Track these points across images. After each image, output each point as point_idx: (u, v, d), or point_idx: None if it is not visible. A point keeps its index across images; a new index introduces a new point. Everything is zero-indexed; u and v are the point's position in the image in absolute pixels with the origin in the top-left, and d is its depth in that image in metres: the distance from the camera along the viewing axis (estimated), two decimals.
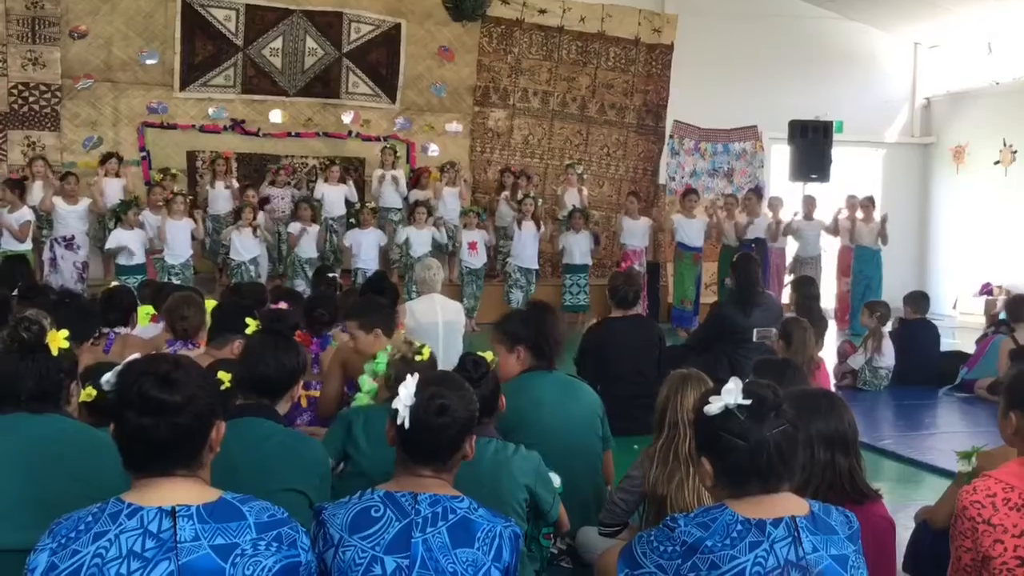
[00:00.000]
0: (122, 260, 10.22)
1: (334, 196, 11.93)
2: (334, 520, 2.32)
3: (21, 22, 11.37)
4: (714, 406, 2.17)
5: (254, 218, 10.80)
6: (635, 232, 11.96)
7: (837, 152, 12.85)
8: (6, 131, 11.42)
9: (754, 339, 6.44)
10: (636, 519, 3.73)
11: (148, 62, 11.87)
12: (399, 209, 12.08)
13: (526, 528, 3.23)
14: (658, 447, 3.45)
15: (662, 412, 3.48)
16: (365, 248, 11.28)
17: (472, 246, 11.47)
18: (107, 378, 2.10)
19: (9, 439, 2.57)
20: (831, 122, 12.85)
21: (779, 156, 13.83)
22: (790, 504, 2.18)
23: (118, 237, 10.23)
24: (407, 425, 2.34)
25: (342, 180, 12.13)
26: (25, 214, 9.94)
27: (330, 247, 11.74)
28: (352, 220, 11.63)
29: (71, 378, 2.75)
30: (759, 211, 12.06)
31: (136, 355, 2.13)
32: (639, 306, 6.67)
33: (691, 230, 11.80)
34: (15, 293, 5.42)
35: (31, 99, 11.48)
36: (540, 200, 12.19)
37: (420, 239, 11.32)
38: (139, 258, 10.31)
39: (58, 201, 10.26)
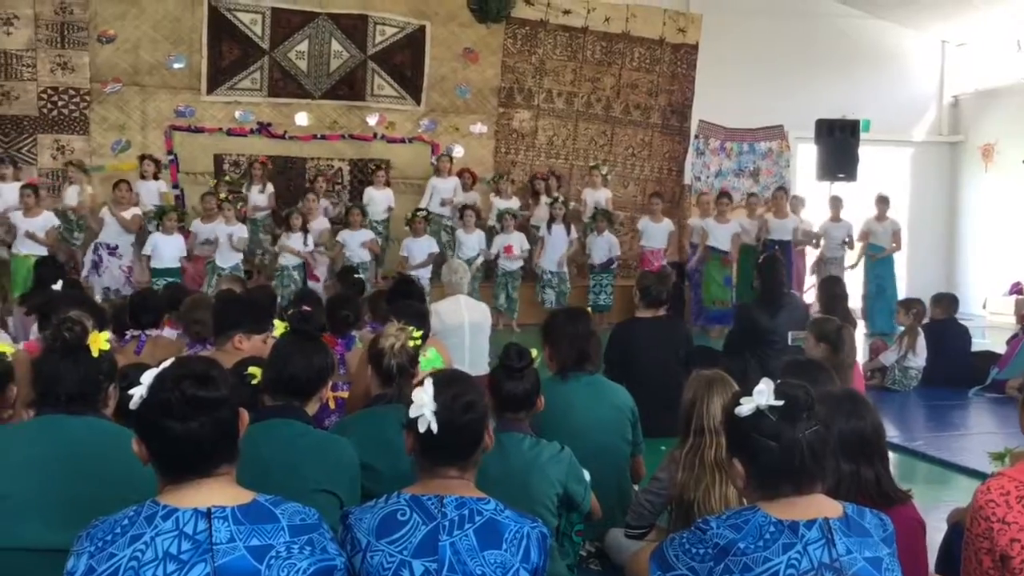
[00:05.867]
0: (155, 263, 10.31)
1: (380, 199, 11.99)
2: (360, 524, 2.32)
3: (50, 27, 11.49)
4: (745, 407, 2.16)
5: (303, 224, 10.88)
6: (656, 234, 11.93)
7: (864, 151, 12.77)
8: (35, 135, 11.55)
9: (789, 342, 6.38)
10: (664, 520, 3.72)
11: (175, 66, 11.95)
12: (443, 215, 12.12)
13: (557, 523, 3.23)
14: (684, 452, 3.44)
15: (687, 417, 3.47)
16: (418, 255, 11.27)
17: (508, 249, 11.48)
18: (138, 394, 2.07)
19: (48, 442, 2.61)
20: (858, 121, 12.77)
21: (806, 155, 13.75)
22: (823, 506, 2.17)
23: (154, 242, 10.32)
24: (435, 429, 2.33)
25: (387, 184, 12.19)
26: (50, 219, 10.01)
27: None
28: (406, 227, 11.60)
29: (110, 380, 2.77)
30: (787, 211, 12.00)
31: (166, 362, 2.13)
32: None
33: (721, 234, 11.74)
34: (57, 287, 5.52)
35: (60, 103, 11.59)
36: (571, 203, 12.19)
37: (469, 242, 11.40)
38: (175, 262, 10.38)
39: (106, 213, 10.34)
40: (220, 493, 2.03)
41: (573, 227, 11.95)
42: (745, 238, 11.90)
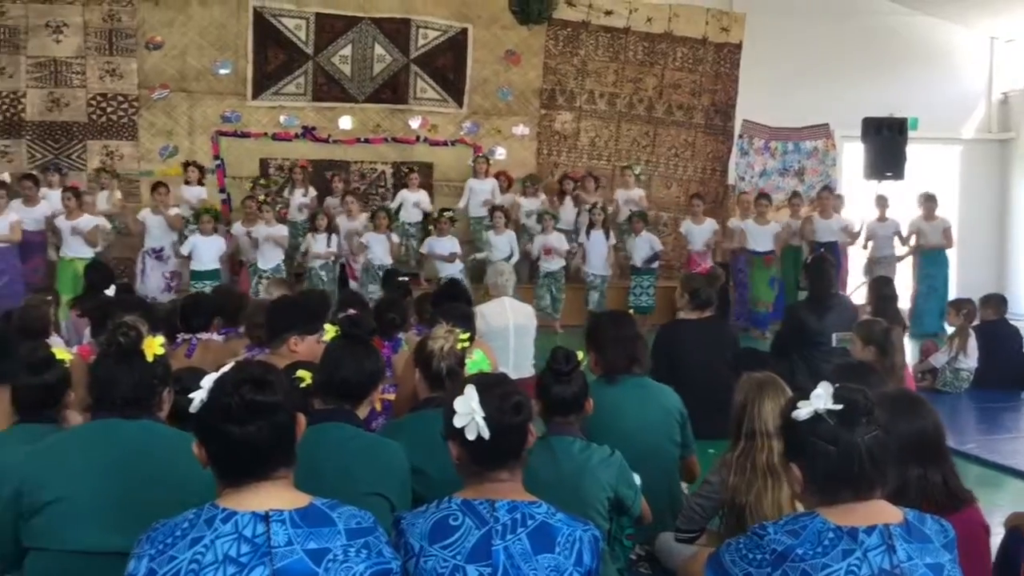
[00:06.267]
0: (195, 266, 10.43)
1: (414, 202, 12.06)
2: (413, 529, 2.32)
3: (99, 34, 11.70)
4: (803, 411, 2.15)
5: (328, 226, 10.98)
6: (699, 235, 11.83)
7: (912, 149, 12.58)
8: (85, 141, 11.76)
9: (833, 343, 6.29)
10: (715, 524, 3.69)
11: (221, 72, 12.12)
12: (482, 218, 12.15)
13: (608, 527, 3.22)
14: (735, 456, 3.40)
15: (738, 420, 3.43)
16: (440, 254, 11.34)
17: (547, 250, 11.46)
18: (198, 397, 2.11)
19: (104, 445, 2.64)
20: (906, 119, 12.58)
21: (852, 154, 13.59)
22: (883, 512, 2.14)
23: (193, 243, 10.45)
24: (486, 435, 2.32)
25: (421, 187, 12.24)
26: (91, 220, 10.08)
27: (409, 252, 11.84)
28: (430, 228, 11.66)
29: (164, 384, 2.81)
30: (832, 212, 11.86)
31: (225, 366, 2.15)
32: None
33: (760, 235, 11.61)
34: (111, 292, 5.62)
35: (109, 109, 11.80)
36: (609, 208, 12.12)
37: (500, 243, 11.42)
38: (214, 264, 10.50)
39: (147, 214, 10.50)
40: (278, 496, 2.05)
41: (612, 231, 11.91)
42: (790, 240, 11.77)
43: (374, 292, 10.35)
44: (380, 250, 11.18)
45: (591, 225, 11.71)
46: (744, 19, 13.45)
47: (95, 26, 11.67)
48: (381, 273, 11.00)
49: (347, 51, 12.51)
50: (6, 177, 10.55)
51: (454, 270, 11.11)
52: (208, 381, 2.10)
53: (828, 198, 12.01)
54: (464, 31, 12.84)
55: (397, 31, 12.64)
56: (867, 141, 12.44)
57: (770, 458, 3.27)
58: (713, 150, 13.77)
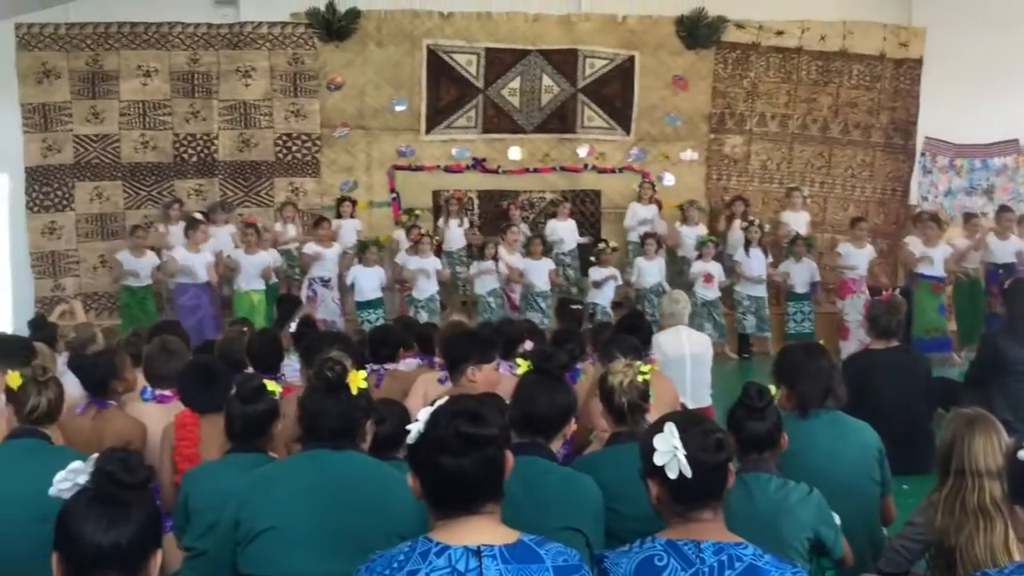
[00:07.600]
0: (358, 296, 10.80)
1: (565, 231, 12.15)
2: (617, 569, 2.31)
3: (284, 77, 12.31)
4: None
5: (495, 255, 11.21)
6: (856, 260, 11.23)
7: None
8: (272, 178, 12.37)
9: None
10: (920, 567, 3.52)
11: (397, 108, 12.52)
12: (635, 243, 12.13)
13: (810, 568, 3.12)
14: (943, 495, 3.24)
15: (946, 458, 3.26)
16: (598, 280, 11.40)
17: (707, 278, 11.28)
18: (415, 429, 2.18)
19: (313, 474, 2.77)
20: None
21: None
22: None
23: (355, 275, 10.81)
24: (688, 473, 2.28)
25: (571, 215, 12.34)
26: (266, 258, 10.53)
27: (566, 280, 11.93)
28: (592, 259, 11.70)
29: (367, 416, 2.93)
30: (1010, 233, 11.17)
31: (441, 400, 2.22)
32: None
33: (934, 259, 11.03)
34: (292, 330, 5.88)
35: (294, 148, 12.38)
36: (766, 226, 11.82)
37: (650, 270, 11.38)
38: (375, 293, 10.83)
39: (312, 246, 10.96)
40: (488, 531, 2.10)
41: (769, 251, 11.61)
42: (961, 262, 11.16)
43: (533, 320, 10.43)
44: (539, 278, 11.29)
45: (748, 243, 11.47)
46: (924, 33, 12.91)
47: (281, 70, 12.29)
48: (542, 302, 11.16)
49: (516, 83, 12.71)
50: (198, 214, 11.19)
51: (604, 299, 11.23)
52: (424, 414, 2.17)
53: (1008, 218, 11.33)
54: (631, 59, 12.84)
55: (564, 62, 12.76)
56: None
57: (982, 498, 3.09)
58: (893, 170, 13.25)
